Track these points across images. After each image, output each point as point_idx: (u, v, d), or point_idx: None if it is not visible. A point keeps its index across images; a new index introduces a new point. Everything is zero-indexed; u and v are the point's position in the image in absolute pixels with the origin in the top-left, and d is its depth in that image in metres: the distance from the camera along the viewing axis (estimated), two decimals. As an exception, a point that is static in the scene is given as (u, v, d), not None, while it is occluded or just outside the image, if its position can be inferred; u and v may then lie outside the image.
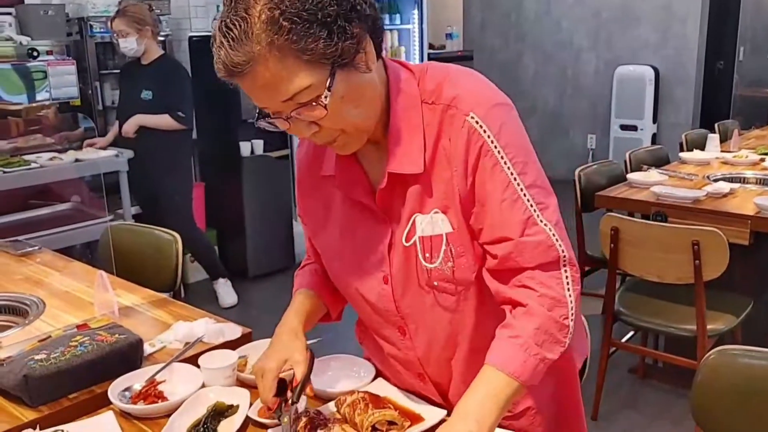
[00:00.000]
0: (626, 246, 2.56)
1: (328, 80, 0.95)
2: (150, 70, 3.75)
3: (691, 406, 1.37)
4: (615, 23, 6.32)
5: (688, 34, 5.94)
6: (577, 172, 3.33)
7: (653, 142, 5.91)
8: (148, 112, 3.71)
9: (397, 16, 5.76)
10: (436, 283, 1.13)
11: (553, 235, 1.06)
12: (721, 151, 3.75)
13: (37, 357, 1.39)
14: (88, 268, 2.19)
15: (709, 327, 2.46)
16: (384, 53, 1.08)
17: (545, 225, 1.06)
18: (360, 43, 0.97)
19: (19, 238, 2.53)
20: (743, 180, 3.21)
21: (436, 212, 1.09)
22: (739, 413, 1.32)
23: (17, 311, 1.91)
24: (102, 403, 1.35)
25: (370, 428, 1.15)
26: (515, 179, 1.05)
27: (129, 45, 3.63)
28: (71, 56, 4.06)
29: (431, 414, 1.22)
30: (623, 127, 6.26)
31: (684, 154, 3.71)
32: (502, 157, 1.04)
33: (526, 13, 6.96)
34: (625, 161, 3.67)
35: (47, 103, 3.91)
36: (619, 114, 6.28)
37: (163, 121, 3.70)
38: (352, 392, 1.24)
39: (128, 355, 1.46)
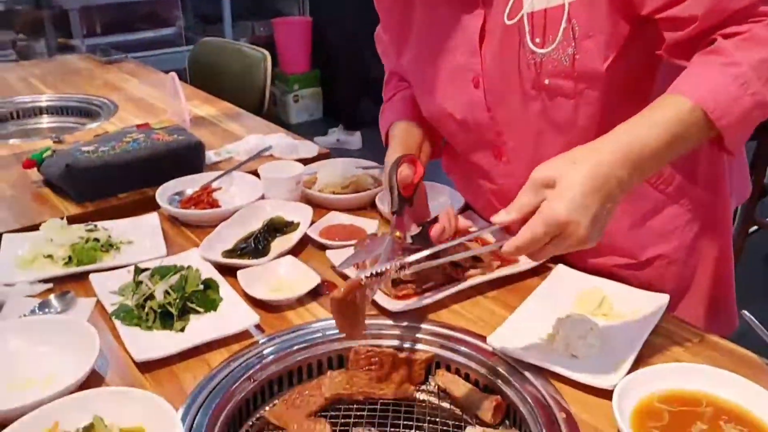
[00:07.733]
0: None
1: None
2: None
3: None
4: None
5: None
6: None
7: None
8: None
9: None
10: (547, 81, 0.82)
11: None
12: None
13: (84, 148, 1.23)
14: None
15: None
16: None
17: None
18: None
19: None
20: None
21: None
22: None
23: (89, 113, 1.78)
24: (152, 206, 1.18)
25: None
26: None
27: None
28: None
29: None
30: None
31: None
32: None
33: None
34: None
35: None
36: None
37: None
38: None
39: (185, 158, 1.28)
